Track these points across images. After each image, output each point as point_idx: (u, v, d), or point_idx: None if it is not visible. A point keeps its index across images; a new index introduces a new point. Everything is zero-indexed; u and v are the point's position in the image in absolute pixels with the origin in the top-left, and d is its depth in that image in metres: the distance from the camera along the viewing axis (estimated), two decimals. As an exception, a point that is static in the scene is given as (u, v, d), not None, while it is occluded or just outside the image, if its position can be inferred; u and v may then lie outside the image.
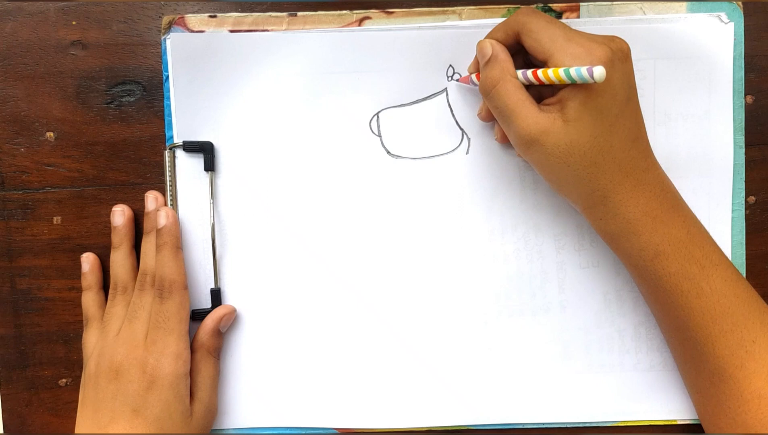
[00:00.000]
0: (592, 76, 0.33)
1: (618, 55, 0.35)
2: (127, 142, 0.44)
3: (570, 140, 0.35)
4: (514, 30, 0.37)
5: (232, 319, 0.43)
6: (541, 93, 0.38)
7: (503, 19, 0.42)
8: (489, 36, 0.39)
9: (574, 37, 0.35)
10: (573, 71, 0.34)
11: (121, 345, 0.40)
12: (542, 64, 0.36)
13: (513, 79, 0.36)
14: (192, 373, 0.42)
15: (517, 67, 0.38)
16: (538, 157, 0.36)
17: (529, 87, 0.37)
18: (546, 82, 0.35)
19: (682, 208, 0.38)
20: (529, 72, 0.36)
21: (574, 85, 0.35)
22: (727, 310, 0.37)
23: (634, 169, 0.37)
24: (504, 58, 0.37)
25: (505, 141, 0.41)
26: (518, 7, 0.42)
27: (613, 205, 0.37)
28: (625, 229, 0.37)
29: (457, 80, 0.43)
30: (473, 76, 0.40)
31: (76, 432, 0.40)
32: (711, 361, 0.37)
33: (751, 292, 0.38)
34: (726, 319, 0.37)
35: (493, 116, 0.40)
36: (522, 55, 0.38)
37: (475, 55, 0.40)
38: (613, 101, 0.35)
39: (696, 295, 0.37)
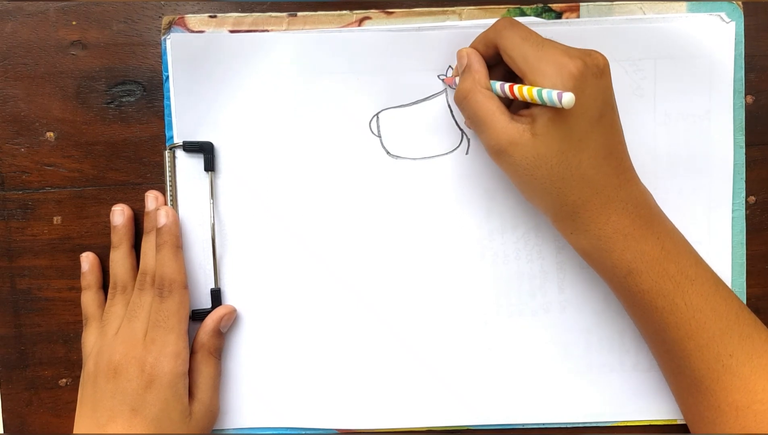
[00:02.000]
0: (560, 102, 0.33)
1: (592, 71, 0.35)
2: (127, 142, 0.44)
3: (537, 154, 0.35)
4: (493, 42, 0.38)
5: (232, 319, 0.43)
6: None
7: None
8: (471, 45, 0.39)
9: (546, 55, 0.35)
10: (545, 93, 0.34)
11: (120, 344, 0.40)
12: (521, 77, 0.36)
13: (484, 90, 0.37)
14: (193, 373, 0.42)
15: (501, 77, 0.38)
16: (507, 166, 0.37)
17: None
18: (520, 99, 0.35)
19: (658, 224, 0.38)
20: (507, 86, 0.36)
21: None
22: (703, 325, 0.36)
23: (605, 186, 0.36)
24: (477, 68, 0.37)
25: None
26: (518, 8, 0.42)
27: (582, 221, 0.37)
28: (596, 245, 0.37)
29: (443, 79, 0.43)
30: (457, 79, 0.40)
31: (75, 431, 0.40)
32: (688, 373, 0.37)
33: (732, 304, 0.37)
34: (701, 334, 0.36)
35: None
36: (505, 64, 0.38)
37: None
38: (583, 118, 0.35)
39: (670, 311, 0.37)
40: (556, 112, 0.35)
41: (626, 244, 0.36)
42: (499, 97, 0.37)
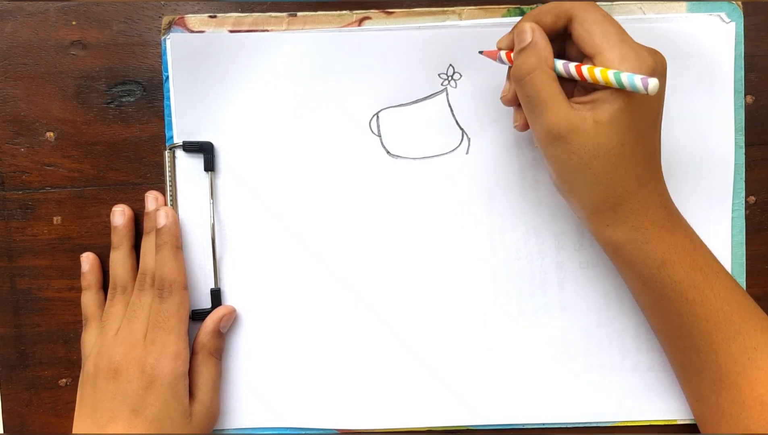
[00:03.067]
0: (645, 88, 0.32)
1: (659, 69, 0.35)
2: (127, 142, 0.44)
3: (597, 143, 0.35)
4: (568, 15, 0.36)
5: (232, 319, 0.43)
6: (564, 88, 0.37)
7: (503, 19, 0.42)
8: (533, 17, 0.37)
9: (627, 39, 0.34)
10: (625, 77, 0.32)
11: (120, 344, 0.40)
12: (580, 57, 0.36)
13: (549, 70, 0.35)
14: (193, 374, 0.42)
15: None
16: (560, 154, 0.36)
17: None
18: (590, 80, 0.34)
19: (683, 218, 0.38)
20: (572, 66, 0.35)
21: (614, 88, 0.34)
22: (730, 317, 0.37)
23: (648, 180, 0.37)
24: (544, 46, 0.35)
25: (524, 129, 0.39)
26: (518, 8, 0.42)
27: (623, 213, 0.37)
28: (632, 236, 0.37)
29: (481, 52, 0.40)
30: (503, 54, 0.38)
31: (74, 432, 0.40)
32: (713, 368, 0.37)
33: (750, 299, 0.38)
34: (729, 327, 0.37)
35: (516, 101, 0.38)
36: (557, 44, 0.37)
37: (510, 32, 0.38)
38: (648, 113, 0.35)
39: (700, 303, 0.37)
40: (626, 103, 0.34)
41: (661, 235, 0.37)
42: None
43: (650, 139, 0.36)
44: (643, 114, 0.35)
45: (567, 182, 0.37)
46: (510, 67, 0.37)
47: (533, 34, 0.36)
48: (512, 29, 0.38)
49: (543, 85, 0.35)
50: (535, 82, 0.35)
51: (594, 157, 0.35)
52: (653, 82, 0.32)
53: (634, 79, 0.32)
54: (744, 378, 0.36)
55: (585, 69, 0.34)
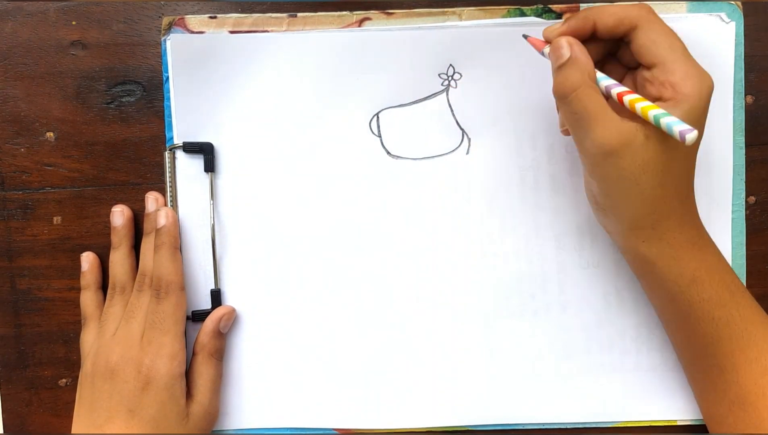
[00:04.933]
0: (683, 139, 0.31)
1: (712, 90, 0.35)
2: (127, 142, 0.44)
3: (648, 157, 0.34)
4: (633, 23, 0.35)
5: (231, 319, 0.43)
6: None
7: (503, 19, 0.42)
8: (592, 15, 0.35)
9: (691, 58, 0.34)
10: (665, 123, 0.32)
11: (117, 345, 0.40)
12: (630, 64, 0.36)
13: (593, 84, 0.34)
14: (193, 374, 0.42)
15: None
16: (610, 170, 0.34)
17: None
18: (629, 109, 0.33)
19: (710, 236, 0.38)
20: (615, 92, 0.34)
21: (666, 104, 0.33)
22: (754, 337, 0.37)
23: (687, 196, 0.37)
24: (585, 61, 0.34)
25: (570, 134, 0.38)
26: (518, 9, 0.42)
27: (661, 229, 0.36)
28: (666, 253, 0.37)
29: (526, 37, 0.38)
30: (546, 49, 0.36)
31: (73, 431, 0.40)
32: (733, 389, 0.37)
33: None
34: (753, 348, 0.37)
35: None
36: (604, 47, 0.37)
37: (564, 22, 0.36)
38: (699, 130, 0.34)
39: (726, 323, 0.37)
40: (677, 118, 0.33)
41: (693, 253, 0.37)
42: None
43: (694, 156, 0.36)
44: None
45: (612, 198, 0.36)
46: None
47: (572, 50, 0.35)
48: (564, 21, 0.36)
49: (590, 99, 0.34)
50: (581, 98, 0.34)
51: (643, 172, 0.34)
52: (691, 137, 0.31)
53: (673, 128, 0.32)
54: (763, 400, 0.36)
55: (627, 99, 0.33)
